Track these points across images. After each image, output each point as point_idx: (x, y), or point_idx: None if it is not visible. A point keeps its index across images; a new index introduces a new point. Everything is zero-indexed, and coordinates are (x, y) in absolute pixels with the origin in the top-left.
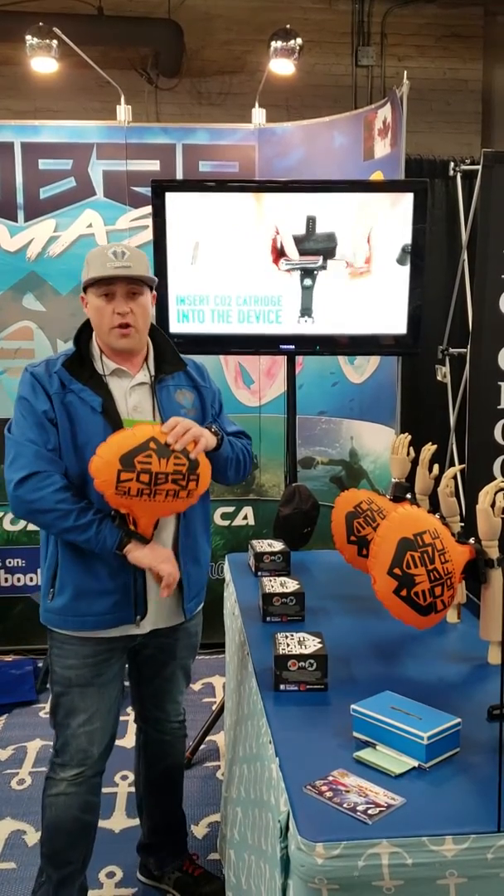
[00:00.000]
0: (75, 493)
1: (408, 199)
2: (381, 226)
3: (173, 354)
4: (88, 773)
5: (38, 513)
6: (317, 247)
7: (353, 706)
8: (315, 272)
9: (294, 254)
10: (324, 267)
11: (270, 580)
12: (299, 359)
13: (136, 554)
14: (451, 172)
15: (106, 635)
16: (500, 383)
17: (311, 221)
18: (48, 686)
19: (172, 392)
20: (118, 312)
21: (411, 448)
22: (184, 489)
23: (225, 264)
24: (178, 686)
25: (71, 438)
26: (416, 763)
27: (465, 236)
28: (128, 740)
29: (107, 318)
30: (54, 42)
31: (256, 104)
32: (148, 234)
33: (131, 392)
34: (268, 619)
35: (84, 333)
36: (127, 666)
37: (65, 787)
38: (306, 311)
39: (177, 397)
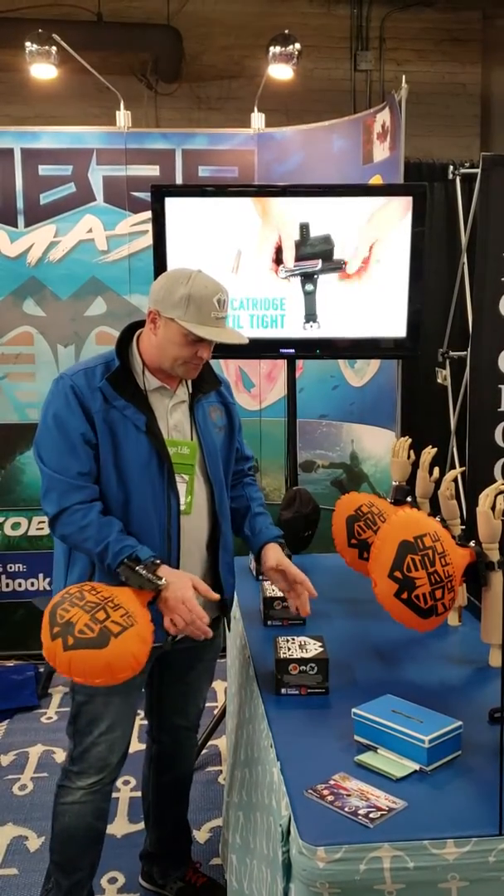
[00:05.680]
0: (104, 520)
1: (407, 202)
2: (384, 228)
3: (210, 372)
4: (106, 780)
5: (73, 546)
6: (313, 251)
7: (354, 710)
8: (315, 276)
9: (290, 261)
10: (323, 270)
11: (271, 584)
12: (299, 362)
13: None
14: (451, 176)
15: None
16: (500, 386)
17: (304, 228)
18: (49, 692)
19: (207, 410)
20: (202, 357)
21: (412, 451)
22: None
23: (224, 268)
24: (203, 688)
25: (113, 459)
26: (417, 766)
27: (464, 239)
28: (131, 745)
29: (185, 354)
30: (53, 48)
31: (255, 109)
32: (148, 240)
33: (172, 411)
34: (269, 622)
35: (124, 344)
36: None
37: (80, 797)
38: (310, 316)
39: (210, 415)
